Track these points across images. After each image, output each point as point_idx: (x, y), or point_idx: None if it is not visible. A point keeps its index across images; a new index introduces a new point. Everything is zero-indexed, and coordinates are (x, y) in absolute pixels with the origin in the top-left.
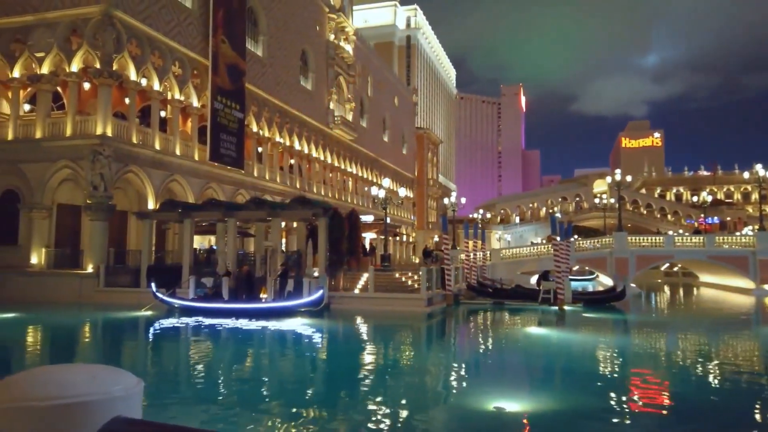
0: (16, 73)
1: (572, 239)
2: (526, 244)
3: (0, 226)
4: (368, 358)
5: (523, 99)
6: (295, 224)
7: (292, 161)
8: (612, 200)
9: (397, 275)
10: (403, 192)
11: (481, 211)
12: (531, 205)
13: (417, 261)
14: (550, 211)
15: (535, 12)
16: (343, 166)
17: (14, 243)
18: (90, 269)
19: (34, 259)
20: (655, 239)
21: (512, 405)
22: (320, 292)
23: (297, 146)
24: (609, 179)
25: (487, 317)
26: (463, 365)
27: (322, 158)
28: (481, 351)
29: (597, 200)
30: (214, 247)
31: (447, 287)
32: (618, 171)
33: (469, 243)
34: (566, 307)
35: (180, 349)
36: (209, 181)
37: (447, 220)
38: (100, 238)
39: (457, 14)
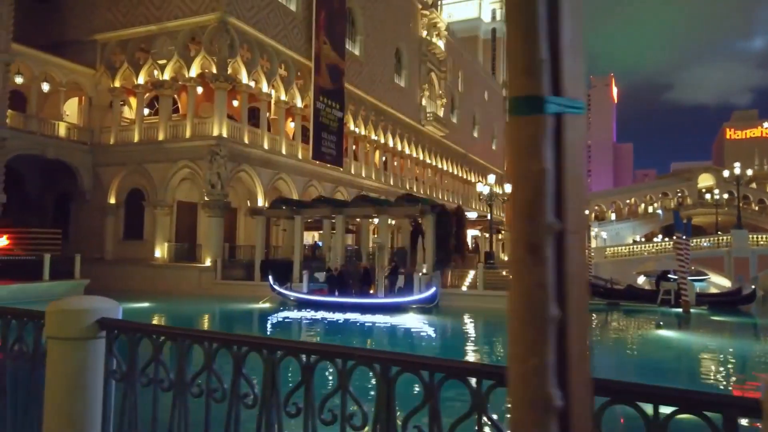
0: (141, 79)
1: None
2: (625, 242)
3: (128, 223)
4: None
5: (614, 90)
6: (391, 221)
7: (385, 158)
8: (725, 195)
9: (504, 273)
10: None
11: None
12: (628, 201)
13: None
14: (653, 205)
15: None
16: (434, 163)
17: (140, 238)
18: (208, 263)
19: (157, 253)
20: None
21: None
22: (434, 289)
23: (391, 143)
24: (726, 173)
25: (605, 318)
26: (598, 368)
27: (414, 155)
28: (612, 353)
29: (708, 195)
30: (319, 243)
31: None
32: (737, 164)
33: None
34: (691, 310)
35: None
36: (311, 179)
37: None
38: (216, 233)
39: None
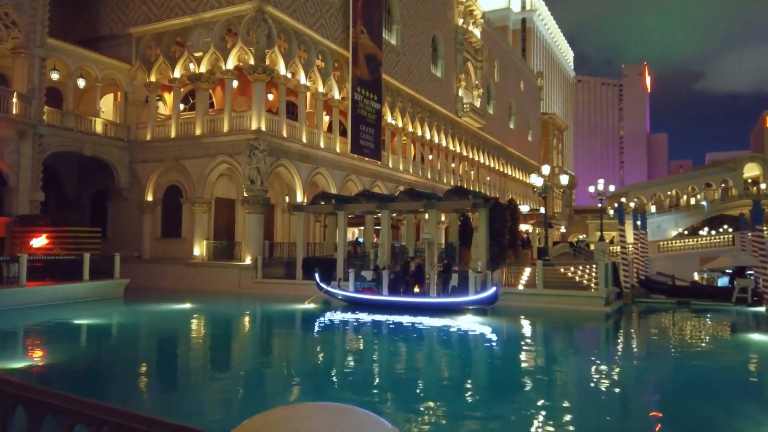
0: (177, 73)
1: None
2: (667, 235)
3: (166, 220)
4: (594, 368)
5: (647, 79)
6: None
7: (423, 151)
8: None
9: (561, 270)
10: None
11: (623, 199)
12: (669, 193)
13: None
14: (695, 197)
15: None
16: (471, 155)
17: (178, 236)
18: (248, 261)
19: (196, 251)
20: None
21: None
22: (494, 288)
23: (428, 136)
24: None
25: (679, 319)
26: (690, 380)
27: (451, 147)
28: (713, 364)
29: (762, 185)
30: (360, 240)
31: (624, 284)
32: None
33: (638, 233)
34: None
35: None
36: (349, 174)
37: (623, 210)
38: (256, 230)
39: None
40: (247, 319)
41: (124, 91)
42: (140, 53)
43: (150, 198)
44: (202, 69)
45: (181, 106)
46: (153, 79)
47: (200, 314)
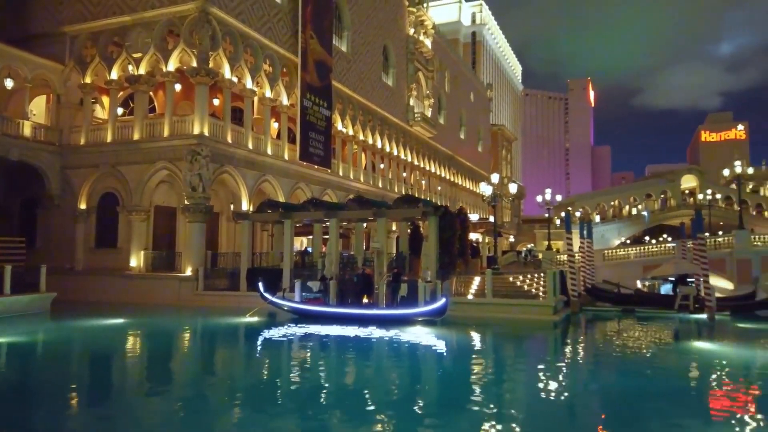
0: (114, 74)
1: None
2: (611, 244)
3: (101, 230)
4: (542, 379)
5: (591, 93)
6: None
7: (374, 159)
8: (719, 196)
9: (511, 279)
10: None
11: (569, 208)
12: (612, 203)
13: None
14: (637, 207)
15: (597, 1)
16: (422, 164)
17: (114, 246)
18: (188, 272)
19: (133, 262)
20: None
21: None
22: (444, 300)
23: (379, 144)
24: (726, 172)
25: (625, 327)
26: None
27: (402, 156)
28: (657, 372)
29: (700, 196)
30: (308, 250)
31: (572, 293)
32: (738, 162)
33: (584, 242)
34: (716, 317)
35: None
36: (298, 182)
37: (570, 219)
38: (197, 240)
39: (513, 7)
40: (185, 334)
41: (56, 92)
42: (75, 53)
43: (83, 206)
44: (141, 71)
45: (120, 110)
46: (88, 80)
47: (134, 330)
